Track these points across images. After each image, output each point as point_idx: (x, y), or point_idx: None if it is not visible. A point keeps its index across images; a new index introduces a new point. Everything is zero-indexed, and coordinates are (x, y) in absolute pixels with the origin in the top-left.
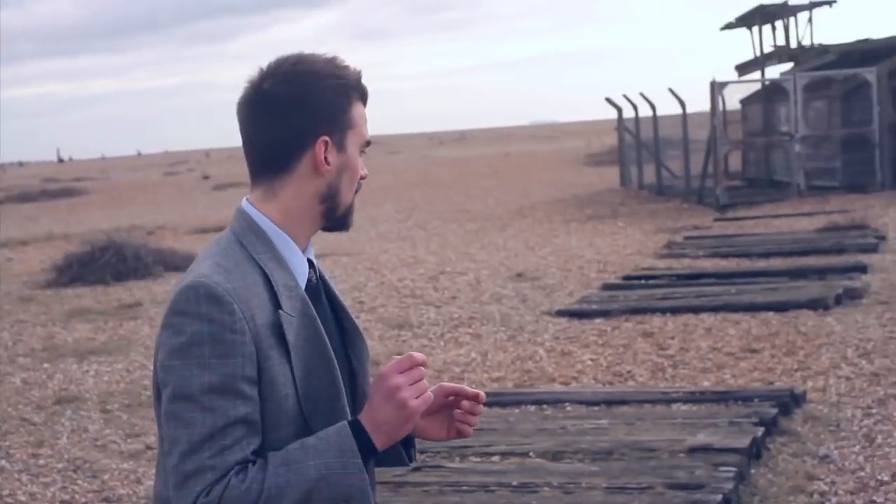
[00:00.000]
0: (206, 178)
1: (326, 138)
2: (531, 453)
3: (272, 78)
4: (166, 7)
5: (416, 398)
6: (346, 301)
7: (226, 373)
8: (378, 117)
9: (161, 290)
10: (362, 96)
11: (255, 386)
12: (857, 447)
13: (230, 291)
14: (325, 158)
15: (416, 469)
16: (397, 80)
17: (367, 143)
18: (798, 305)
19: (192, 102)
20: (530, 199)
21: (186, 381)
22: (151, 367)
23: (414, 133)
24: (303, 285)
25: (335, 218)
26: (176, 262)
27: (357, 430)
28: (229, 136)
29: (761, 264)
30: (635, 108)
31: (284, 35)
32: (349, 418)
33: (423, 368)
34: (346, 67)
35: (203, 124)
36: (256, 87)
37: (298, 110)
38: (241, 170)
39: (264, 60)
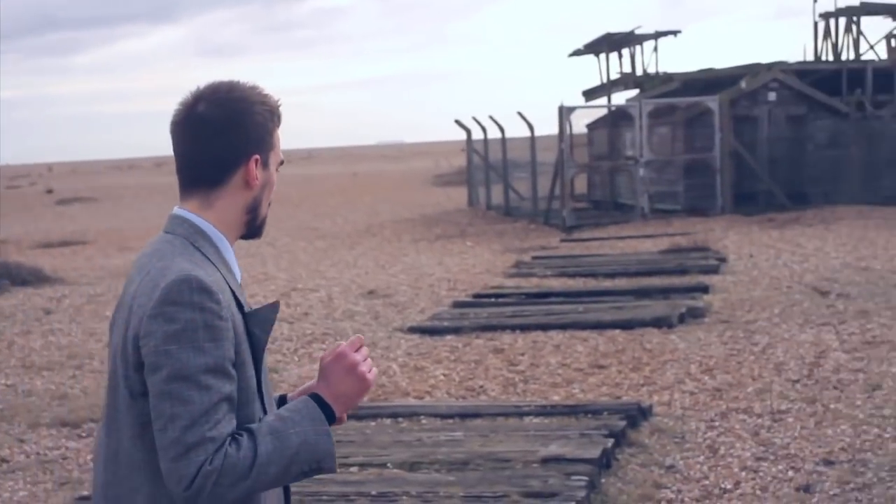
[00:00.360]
0: (49, 192)
1: (257, 156)
2: (389, 464)
3: (207, 102)
4: (8, 18)
5: (370, 372)
6: None
7: (218, 355)
8: None
9: (8, 304)
10: (279, 121)
11: (233, 368)
12: (702, 458)
13: (214, 284)
14: (255, 174)
15: None
16: None
17: (282, 163)
18: (643, 324)
19: (34, 116)
20: (379, 218)
21: (184, 363)
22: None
23: None
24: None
25: (255, 227)
26: (23, 276)
27: (321, 402)
28: (73, 150)
29: (607, 284)
30: (484, 130)
31: (130, 50)
32: (264, 397)
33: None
34: (269, 95)
35: (46, 138)
36: (191, 108)
37: (235, 131)
38: (86, 184)
39: (109, 74)
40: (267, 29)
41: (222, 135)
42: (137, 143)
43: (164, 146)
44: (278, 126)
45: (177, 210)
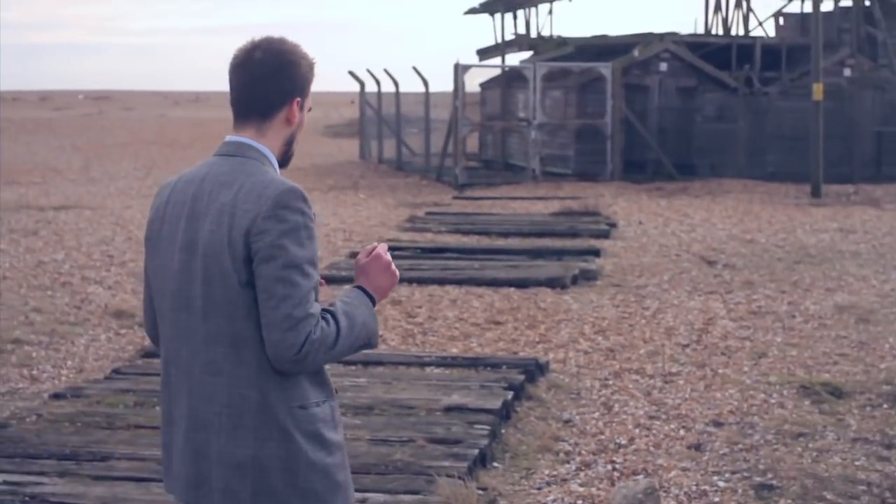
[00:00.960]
0: None
1: (298, 99)
2: None
3: (262, 50)
4: None
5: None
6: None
7: (313, 250)
8: (109, 71)
9: None
10: (314, 75)
11: None
12: (597, 414)
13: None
14: (295, 113)
15: None
16: (129, 34)
17: (310, 109)
18: (538, 283)
19: None
20: None
21: (293, 255)
22: None
23: (146, 91)
24: None
25: (287, 158)
26: None
27: (366, 293)
28: None
29: (501, 243)
30: (378, 83)
31: None
32: None
33: None
34: (308, 52)
35: None
36: (249, 54)
37: (284, 76)
38: None
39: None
40: None
41: (274, 77)
42: (19, 74)
43: (48, 80)
44: (313, 79)
45: (237, 137)
